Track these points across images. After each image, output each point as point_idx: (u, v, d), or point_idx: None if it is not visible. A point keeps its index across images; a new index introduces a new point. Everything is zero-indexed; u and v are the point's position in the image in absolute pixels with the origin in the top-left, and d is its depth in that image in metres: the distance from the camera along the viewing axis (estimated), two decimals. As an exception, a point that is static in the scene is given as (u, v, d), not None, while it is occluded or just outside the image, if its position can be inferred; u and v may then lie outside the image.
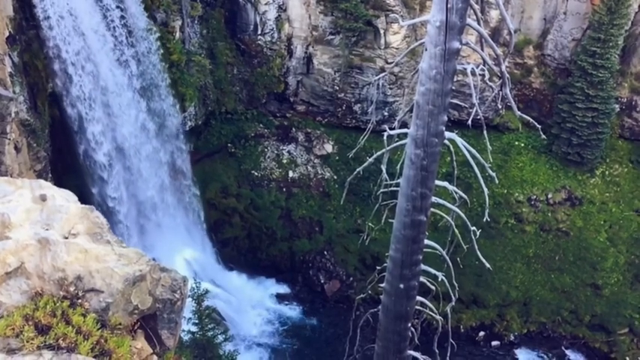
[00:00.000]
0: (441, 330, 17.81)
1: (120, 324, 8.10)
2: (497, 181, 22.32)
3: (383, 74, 18.39)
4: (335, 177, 45.20)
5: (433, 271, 16.42)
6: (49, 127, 30.25)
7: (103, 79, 32.45)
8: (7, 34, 26.11)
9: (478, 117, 13.01)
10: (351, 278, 42.73)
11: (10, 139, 25.64)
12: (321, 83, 44.88)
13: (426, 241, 15.36)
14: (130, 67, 34.41)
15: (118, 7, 32.62)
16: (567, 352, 41.24)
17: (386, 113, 44.65)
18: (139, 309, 8.40)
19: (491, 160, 16.20)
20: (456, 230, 15.87)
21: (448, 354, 17.87)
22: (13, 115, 26.08)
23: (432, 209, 14.80)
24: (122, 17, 33.07)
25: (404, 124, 15.42)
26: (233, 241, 43.43)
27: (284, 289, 43.16)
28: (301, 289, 43.07)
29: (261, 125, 46.21)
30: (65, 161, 32.28)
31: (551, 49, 43.54)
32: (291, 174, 45.07)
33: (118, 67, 33.59)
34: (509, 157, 44.58)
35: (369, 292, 20.52)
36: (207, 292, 27.09)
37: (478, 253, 15.45)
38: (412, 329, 17.21)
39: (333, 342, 38.13)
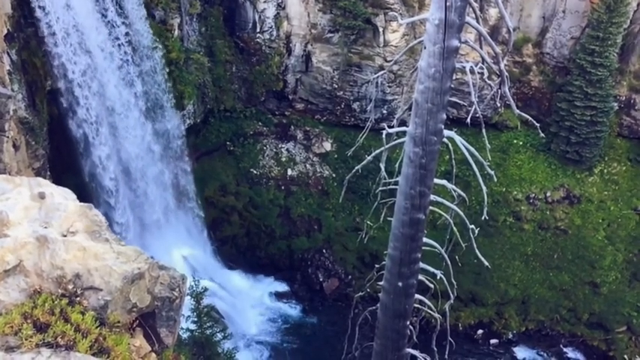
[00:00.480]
0: (440, 328, 17.81)
1: (118, 322, 8.10)
2: (495, 180, 22.33)
3: (382, 72, 18.38)
4: (334, 175, 45.21)
5: (432, 269, 16.42)
6: (48, 125, 30.18)
7: (109, 99, 32.08)
8: (5, 31, 26.06)
9: (477, 115, 12.98)
10: (350, 276, 42.76)
11: (8, 137, 25.59)
12: (319, 81, 44.87)
13: (425, 240, 15.37)
14: (136, 86, 34.07)
15: (123, 23, 32.23)
16: (565, 350, 41.32)
17: (385, 111, 44.63)
18: (138, 307, 8.40)
19: (490, 159, 16.19)
20: (455, 228, 15.87)
21: (447, 352, 17.87)
22: (11, 112, 26.03)
23: (430, 207, 14.81)
24: (127, 34, 32.70)
25: (403, 123, 15.42)
26: (232, 240, 43.43)
27: (283, 287, 43.17)
28: (300, 287, 43.10)
29: (259, 123, 46.19)
30: (64, 159, 32.22)
31: (550, 48, 43.54)
32: (289, 172, 45.07)
33: (124, 86, 33.16)
34: (508, 155, 44.61)
35: (368, 290, 20.49)
36: (205, 290, 27.06)
37: (477, 251, 15.45)
38: (411, 327, 17.23)
39: (331, 340, 38.14)
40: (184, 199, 40.63)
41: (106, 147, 32.13)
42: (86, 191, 32.08)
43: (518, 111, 13.03)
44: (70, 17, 28.55)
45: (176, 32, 38.28)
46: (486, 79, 13.25)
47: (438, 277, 16.68)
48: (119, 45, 32.22)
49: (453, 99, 14.37)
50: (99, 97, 31.10)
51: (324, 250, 43.45)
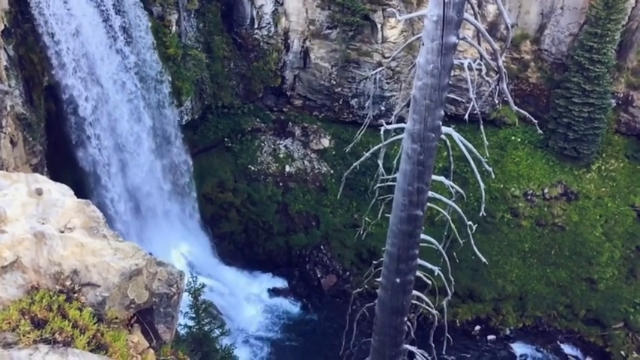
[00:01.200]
0: (437, 324, 17.83)
1: (116, 318, 8.09)
2: (493, 176, 22.32)
3: (380, 69, 18.34)
4: (332, 171, 45.20)
5: (429, 265, 16.42)
6: (45, 121, 30.12)
7: (120, 135, 31.83)
8: (2, 27, 25.98)
9: (475, 112, 12.95)
10: (348, 273, 42.80)
11: (5, 133, 25.53)
12: (318, 78, 44.81)
13: (423, 236, 15.36)
14: (144, 121, 33.81)
15: (131, 52, 31.82)
16: (562, 346, 41.43)
17: (383, 108, 44.63)
18: (136, 303, 8.39)
19: (488, 155, 16.19)
20: (453, 225, 15.86)
21: (444, 348, 17.89)
22: (8, 108, 25.94)
23: (428, 204, 14.80)
24: (136, 64, 32.34)
25: (401, 119, 15.38)
26: (230, 236, 43.42)
27: (280, 283, 43.21)
28: (298, 283, 43.13)
29: (257, 120, 46.13)
30: (61, 155, 32.16)
31: (548, 44, 43.55)
32: (287, 168, 45.04)
33: (135, 120, 32.87)
34: (506, 151, 44.64)
35: (366, 286, 20.48)
36: (203, 286, 27.07)
37: (474, 247, 15.45)
38: (408, 323, 17.23)
39: (329, 336, 38.22)
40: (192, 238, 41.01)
41: (118, 188, 31.94)
42: (84, 187, 32.07)
43: (516, 107, 13.01)
44: (80, 44, 27.97)
45: (174, 28, 38.20)
46: (484, 76, 13.23)
47: (436, 274, 16.67)
48: (129, 77, 32.00)
49: (451, 95, 14.36)
50: (110, 132, 30.84)
51: (322, 247, 43.47)
